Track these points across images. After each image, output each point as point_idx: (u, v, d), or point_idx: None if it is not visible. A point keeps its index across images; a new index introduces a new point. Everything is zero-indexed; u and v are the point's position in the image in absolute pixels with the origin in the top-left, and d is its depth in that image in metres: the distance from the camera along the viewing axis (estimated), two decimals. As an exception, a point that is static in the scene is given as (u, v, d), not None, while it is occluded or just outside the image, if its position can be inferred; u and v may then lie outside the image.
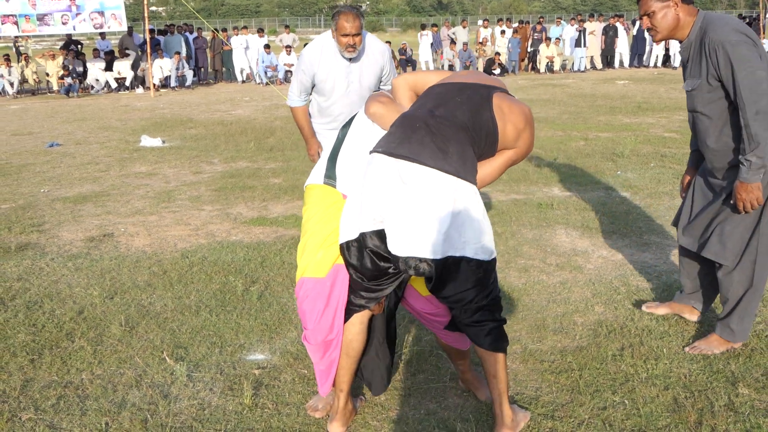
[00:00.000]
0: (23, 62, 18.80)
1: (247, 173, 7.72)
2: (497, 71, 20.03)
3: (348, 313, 2.74)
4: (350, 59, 4.12)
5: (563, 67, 22.03)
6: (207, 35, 20.77)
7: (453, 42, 21.12)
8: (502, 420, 2.68)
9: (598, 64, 21.78)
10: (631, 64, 22.04)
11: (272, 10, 75.95)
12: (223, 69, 20.67)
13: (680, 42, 3.27)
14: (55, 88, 17.81)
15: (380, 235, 2.55)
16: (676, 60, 21.05)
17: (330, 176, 2.78)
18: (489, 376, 2.68)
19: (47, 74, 18.27)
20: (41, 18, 17.20)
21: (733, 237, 3.20)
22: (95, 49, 19.26)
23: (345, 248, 2.64)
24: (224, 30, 34.42)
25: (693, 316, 3.68)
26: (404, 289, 2.87)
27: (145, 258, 4.91)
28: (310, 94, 4.36)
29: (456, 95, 2.65)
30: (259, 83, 19.36)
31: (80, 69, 18.11)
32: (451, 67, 20.79)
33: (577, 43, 21.38)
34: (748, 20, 24.66)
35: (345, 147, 2.81)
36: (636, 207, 5.90)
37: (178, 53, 18.70)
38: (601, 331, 3.60)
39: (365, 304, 2.71)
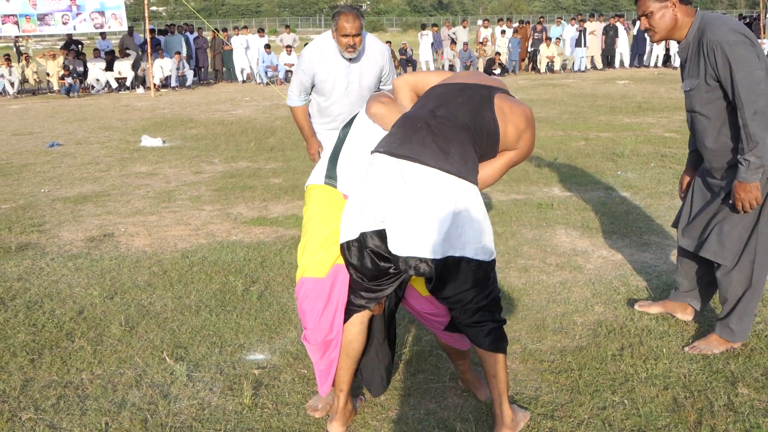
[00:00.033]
0: (24, 62, 18.81)
1: (248, 173, 7.73)
2: (497, 71, 20.03)
3: (348, 314, 2.74)
4: (350, 59, 4.12)
5: (563, 67, 22.03)
6: (207, 35, 20.78)
7: (453, 42, 21.12)
8: (502, 420, 2.69)
9: (599, 64, 21.77)
10: (631, 64, 22.04)
11: (273, 10, 75.96)
12: (224, 69, 20.67)
13: (678, 42, 3.27)
14: (56, 88, 17.81)
15: (381, 235, 2.55)
16: (677, 60, 21.04)
17: (331, 176, 2.79)
18: (489, 376, 2.68)
19: (48, 74, 18.28)
20: (42, 18, 17.21)
21: (732, 237, 3.20)
22: (96, 49, 19.27)
23: (345, 248, 2.64)
24: (224, 30, 34.44)
25: (686, 315, 3.67)
26: (404, 290, 2.87)
27: (145, 258, 4.91)
28: (310, 94, 4.37)
29: (457, 96, 2.65)
30: (259, 83, 19.37)
31: (81, 69, 18.12)
32: (451, 67, 20.79)
33: (578, 43, 21.37)
34: (748, 20, 24.67)
35: (346, 147, 2.81)
36: (636, 207, 5.90)
37: (179, 53, 18.71)
38: (600, 331, 3.61)
39: (365, 304, 2.71)
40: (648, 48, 21.83)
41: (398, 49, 20.90)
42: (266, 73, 19.17)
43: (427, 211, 2.47)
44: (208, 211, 6.17)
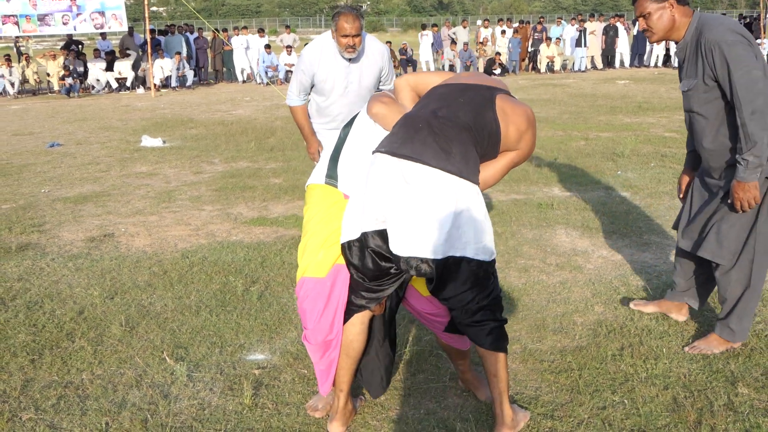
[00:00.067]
0: (24, 62, 18.82)
1: (248, 173, 7.73)
2: (498, 71, 20.03)
3: (349, 314, 2.74)
4: (350, 60, 4.13)
5: (564, 67, 22.03)
6: (208, 35, 20.78)
7: (453, 42, 21.12)
8: (503, 419, 2.69)
9: (599, 64, 21.77)
10: (631, 64, 22.04)
11: (273, 10, 75.97)
12: (224, 69, 20.67)
13: (676, 43, 3.28)
14: (56, 88, 17.82)
15: (382, 234, 2.56)
16: (677, 60, 21.04)
17: (331, 176, 2.79)
18: (490, 376, 2.69)
19: (48, 74, 18.29)
20: (42, 18, 17.21)
21: (730, 236, 3.20)
22: (96, 49, 19.28)
23: (347, 248, 2.64)
24: (225, 30, 34.45)
25: (681, 316, 3.68)
26: (405, 290, 2.87)
27: (145, 258, 4.92)
28: (309, 93, 4.37)
29: (459, 96, 2.66)
30: (259, 83, 19.37)
31: (81, 69, 18.13)
32: (451, 67, 20.79)
33: (578, 43, 21.37)
34: (748, 20, 24.67)
35: (347, 147, 2.81)
36: (636, 207, 5.90)
37: (179, 53, 18.71)
38: (600, 331, 3.61)
39: (366, 304, 2.71)
40: (648, 48, 21.83)
41: (398, 50, 20.90)
42: (266, 73, 19.17)
43: (428, 211, 2.48)
44: (209, 211, 6.17)
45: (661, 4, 3.18)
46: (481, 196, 2.60)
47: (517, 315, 3.82)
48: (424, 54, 21.48)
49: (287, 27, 21.81)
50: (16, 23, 17.15)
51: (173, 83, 18.54)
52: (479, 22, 25.72)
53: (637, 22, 3.34)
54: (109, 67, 18.45)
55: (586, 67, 21.40)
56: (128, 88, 18.40)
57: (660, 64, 21.91)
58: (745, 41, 3.01)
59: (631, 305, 3.80)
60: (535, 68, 21.68)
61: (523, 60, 22.10)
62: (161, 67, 18.34)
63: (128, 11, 21.03)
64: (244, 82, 20.08)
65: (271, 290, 4.27)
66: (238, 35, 20.47)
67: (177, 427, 2.85)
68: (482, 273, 2.58)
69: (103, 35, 19.60)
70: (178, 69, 18.62)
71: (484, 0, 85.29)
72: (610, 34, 21.65)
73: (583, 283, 4.28)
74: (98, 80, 18.29)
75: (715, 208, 3.27)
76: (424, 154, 2.49)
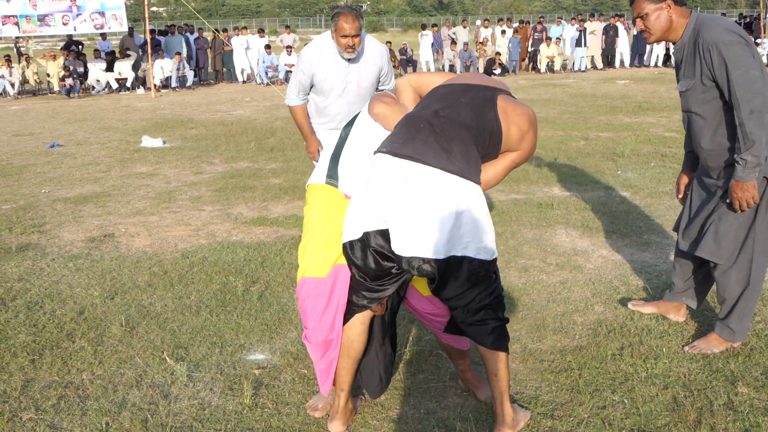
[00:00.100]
0: (24, 63, 18.83)
1: (248, 173, 7.73)
2: (498, 71, 20.03)
3: (349, 314, 2.74)
4: (349, 60, 4.13)
5: (564, 66, 22.03)
6: (208, 35, 20.79)
7: (453, 42, 21.12)
8: (503, 419, 2.69)
9: (599, 64, 21.77)
10: (631, 64, 22.04)
11: (273, 11, 75.98)
12: (224, 69, 20.68)
13: (673, 43, 3.29)
14: (56, 88, 17.83)
15: (384, 234, 2.56)
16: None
17: (332, 176, 2.79)
18: (490, 375, 2.69)
19: (48, 75, 18.29)
20: (42, 19, 17.21)
21: (728, 236, 3.21)
22: (96, 50, 19.28)
23: (348, 247, 2.64)
24: (225, 30, 34.45)
25: (679, 316, 3.68)
26: (406, 290, 2.88)
27: (145, 258, 4.92)
28: (309, 93, 4.38)
29: (460, 96, 2.66)
30: (259, 83, 19.37)
31: (81, 70, 18.13)
32: (451, 68, 20.80)
33: (578, 43, 21.37)
34: (748, 19, 24.67)
35: (347, 147, 2.82)
36: (636, 207, 5.91)
37: (179, 54, 18.71)
38: (600, 331, 3.61)
39: (367, 304, 2.71)
40: (648, 48, 21.83)
41: (398, 50, 20.91)
42: (266, 73, 19.17)
43: (429, 211, 2.48)
44: (209, 212, 6.17)
45: (658, 5, 3.20)
46: (483, 195, 2.60)
47: (517, 314, 3.83)
48: (424, 54, 21.48)
49: (287, 27, 21.81)
50: (16, 24, 17.15)
51: (173, 83, 18.55)
52: (478, 22, 25.72)
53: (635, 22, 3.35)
54: (109, 68, 18.46)
55: (586, 67, 21.40)
56: (128, 89, 18.41)
57: (660, 63, 21.91)
58: (743, 41, 3.02)
59: (630, 305, 3.80)
60: (535, 68, 21.68)
61: (523, 60, 22.10)
62: (161, 68, 18.34)
63: (128, 11, 21.04)
64: (244, 82, 20.08)
65: (272, 290, 4.27)
66: (238, 35, 20.47)
67: (177, 427, 2.85)
68: (484, 272, 2.58)
69: (103, 36, 19.61)
70: (178, 69, 18.62)
71: (484, 0, 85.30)
72: (610, 33, 21.65)
73: (583, 283, 4.28)
74: (98, 81, 18.29)
75: (713, 207, 3.27)
76: (426, 154, 2.49)
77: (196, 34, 20.43)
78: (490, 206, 6.00)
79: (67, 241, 5.40)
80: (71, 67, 17.60)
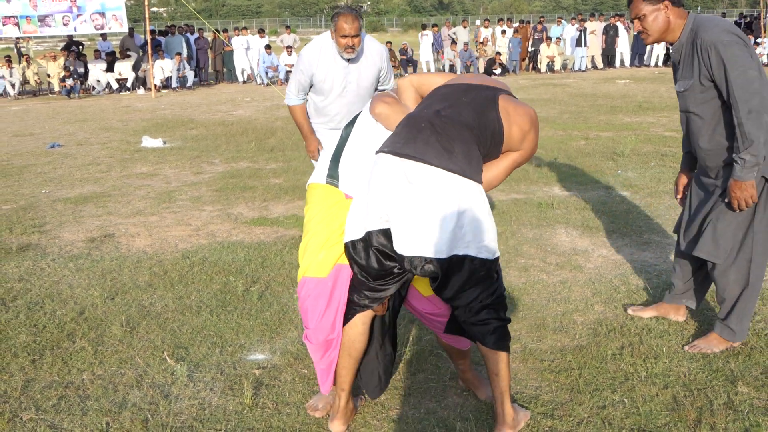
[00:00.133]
0: (24, 63, 18.85)
1: (248, 173, 7.74)
2: (498, 71, 20.03)
3: (351, 314, 2.74)
4: (348, 60, 4.13)
5: (564, 66, 22.03)
6: (208, 36, 20.79)
7: (454, 42, 21.12)
8: (504, 419, 2.69)
9: (599, 64, 21.77)
10: (631, 64, 22.04)
11: (273, 11, 75.99)
12: (224, 70, 20.69)
13: (671, 44, 3.30)
14: (57, 89, 17.84)
15: (386, 234, 2.56)
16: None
17: (333, 176, 2.79)
18: (491, 375, 2.69)
19: (48, 75, 18.31)
20: (42, 19, 17.22)
21: (726, 235, 3.21)
22: (96, 50, 19.29)
23: (351, 247, 2.64)
24: (225, 31, 34.46)
25: (679, 316, 3.68)
26: (407, 290, 2.88)
27: (146, 258, 4.92)
28: (308, 93, 4.38)
29: (462, 96, 2.67)
30: (260, 84, 19.38)
31: (81, 70, 18.14)
32: (452, 68, 20.81)
33: (578, 43, 21.37)
34: (749, 19, 24.67)
35: (348, 147, 2.81)
36: (636, 206, 5.91)
37: (179, 54, 18.72)
38: (600, 330, 3.61)
39: (369, 304, 2.71)
40: (648, 47, 21.81)
41: (399, 50, 20.91)
42: (267, 73, 19.18)
43: (431, 211, 2.48)
44: (209, 212, 6.18)
45: (655, 6, 3.21)
46: (484, 194, 2.61)
47: (518, 314, 3.83)
48: (425, 54, 21.48)
49: (287, 27, 21.82)
50: (17, 24, 17.16)
51: (174, 84, 18.56)
52: (478, 22, 25.71)
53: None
54: (110, 68, 18.47)
55: (586, 67, 21.40)
56: (129, 89, 18.42)
57: (660, 63, 21.91)
58: (741, 42, 3.04)
59: (629, 311, 3.79)
60: (535, 68, 21.69)
61: (524, 60, 22.10)
62: (162, 68, 18.35)
63: (128, 12, 21.06)
64: (244, 82, 20.09)
65: (272, 290, 4.27)
66: (238, 36, 20.49)
67: (177, 427, 2.85)
68: (485, 271, 2.58)
69: (104, 36, 19.62)
70: (178, 70, 18.63)
71: (484, 0, 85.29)
72: (610, 33, 21.65)
73: (583, 283, 4.28)
74: (99, 81, 18.30)
75: (711, 207, 3.28)
76: (427, 153, 2.50)
77: (196, 35, 20.44)
78: (491, 206, 5.99)
79: (67, 241, 5.40)
80: (72, 68, 17.61)
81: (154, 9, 66.22)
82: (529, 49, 21.95)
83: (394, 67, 19.35)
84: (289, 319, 3.85)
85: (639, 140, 8.98)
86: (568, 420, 2.82)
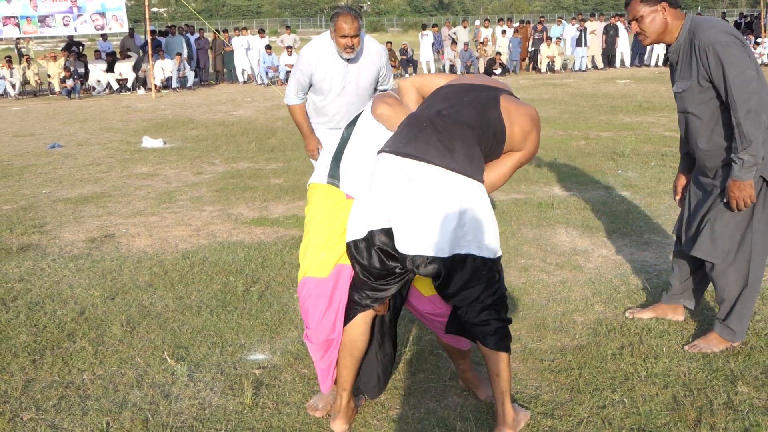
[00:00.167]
0: (25, 64, 18.86)
1: (248, 174, 7.74)
2: (498, 71, 20.03)
3: (352, 313, 2.74)
4: (348, 60, 4.14)
5: (564, 66, 22.03)
6: (208, 36, 20.80)
7: (454, 42, 21.12)
8: (504, 419, 2.69)
9: (599, 64, 21.77)
10: (632, 64, 22.04)
11: (273, 11, 76.00)
12: (225, 70, 20.70)
13: (668, 45, 3.32)
14: (57, 89, 17.85)
15: (388, 232, 2.57)
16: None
17: (333, 176, 2.79)
18: (492, 375, 2.69)
19: (49, 76, 18.32)
20: (43, 19, 17.23)
21: (723, 235, 3.22)
22: (97, 51, 19.31)
23: (353, 247, 2.64)
24: (225, 31, 34.45)
25: (678, 316, 3.68)
26: (408, 290, 2.88)
27: (146, 258, 4.92)
28: (307, 93, 4.39)
29: (463, 95, 2.68)
30: (260, 84, 19.38)
31: (82, 70, 18.15)
32: (452, 68, 20.81)
33: (578, 43, 21.37)
34: (749, 19, 24.67)
35: (349, 147, 2.82)
36: (636, 206, 5.91)
37: (180, 54, 18.73)
38: (600, 330, 3.61)
39: (370, 303, 2.71)
40: (648, 47, 21.82)
41: (399, 50, 20.91)
42: (267, 73, 19.19)
43: (432, 210, 2.49)
44: (209, 212, 6.18)
45: (653, 8, 3.23)
46: (486, 193, 2.61)
47: (518, 314, 3.83)
48: (425, 54, 21.48)
49: (288, 27, 21.83)
50: (17, 24, 17.17)
51: (174, 84, 18.56)
52: (477, 22, 25.71)
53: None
54: (110, 69, 18.48)
55: (586, 67, 21.41)
56: (129, 89, 18.42)
57: (660, 63, 21.90)
58: (738, 42, 3.06)
59: (628, 314, 3.79)
60: (535, 68, 21.69)
61: (524, 60, 22.11)
62: (162, 68, 18.36)
63: (129, 12, 21.07)
64: (244, 82, 20.10)
65: (272, 290, 4.27)
66: (238, 36, 20.49)
67: (178, 426, 2.86)
68: (487, 270, 2.58)
69: (104, 36, 19.62)
70: (178, 70, 18.64)
71: (484, 0, 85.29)
72: (610, 33, 21.65)
73: (583, 283, 4.28)
74: (99, 81, 18.31)
75: (709, 206, 3.28)
76: (428, 152, 2.50)
77: (196, 35, 20.45)
78: (491, 205, 6.00)
79: (67, 241, 5.40)
80: (72, 68, 17.62)
81: (155, 9, 66.23)
82: (530, 49, 21.95)
83: (394, 67, 19.38)
84: (289, 319, 3.85)
85: (639, 140, 8.98)
86: (568, 420, 2.82)
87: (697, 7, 62.16)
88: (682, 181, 3.62)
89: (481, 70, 20.47)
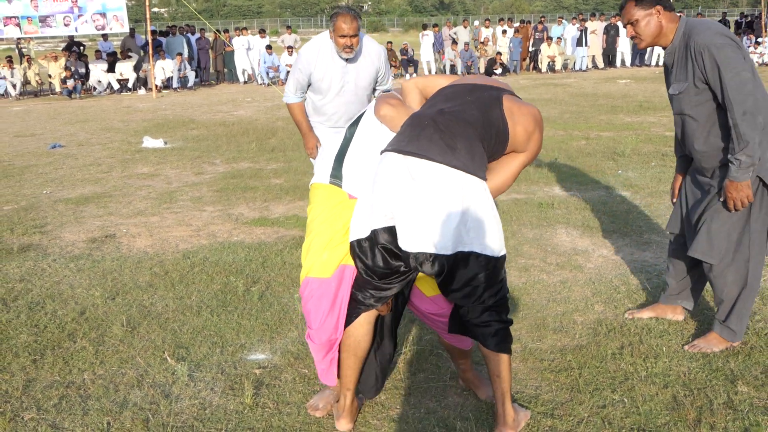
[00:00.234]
0: (26, 64, 18.87)
1: (249, 174, 7.74)
2: (499, 71, 20.04)
3: (355, 313, 2.74)
4: (347, 60, 4.15)
5: (565, 66, 22.03)
6: (209, 36, 20.80)
7: (454, 42, 21.12)
8: (504, 419, 2.69)
9: (600, 64, 21.77)
10: (632, 63, 22.03)
11: (274, 11, 76.01)
12: (225, 70, 20.70)
13: (664, 48, 3.33)
14: (58, 89, 17.86)
15: (391, 231, 2.57)
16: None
17: (336, 176, 2.79)
18: (493, 376, 2.69)
19: (50, 76, 18.33)
20: (43, 20, 17.24)
21: (720, 235, 3.22)
22: (97, 51, 19.32)
23: (356, 246, 2.64)
24: (226, 31, 34.45)
25: (677, 316, 3.69)
26: (410, 290, 2.88)
27: (146, 259, 4.93)
28: (306, 92, 4.40)
29: (466, 95, 2.68)
30: (260, 84, 19.39)
31: (82, 70, 18.16)
32: (452, 67, 20.81)
33: (579, 43, 21.37)
34: (749, 18, 24.67)
35: (352, 147, 2.82)
36: (636, 206, 5.91)
37: (180, 54, 18.74)
38: (600, 330, 3.61)
39: (373, 303, 2.72)
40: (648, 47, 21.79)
41: (399, 50, 20.90)
42: (267, 73, 19.20)
43: (435, 207, 2.49)
44: (210, 212, 6.18)
45: (648, 11, 3.24)
46: (488, 191, 2.61)
47: (518, 314, 3.83)
48: (425, 54, 21.48)
49: (288, 27, 21.83)
50: (18, 25, 17.18)
51: (174, 84, 18.57)
52: (476, 22, 25.71)
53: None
54: (111, 69, 18.49)
55: (587, 67, 21.41)
56: (130, 90, 18.43)
57: (661, 63, 21.88)
58: (734, 44, 3.07)
59: (626, 315, 3.79)
60: (536, 68, 21.69)
61: (524, 60, 22.11)
62: (162, 68, 18.37)
63: (129, 12, 21.06)
64: (245, 82, 20.10)
65: (272, 290, 4.28)
66: (239, 36, 20.50)
67: (178, 426, 2.86)
68: (490, 269, 2.58)
69: (105, 36, 19.63)
70: (179, 70, 18.65)
71: (485, 0, 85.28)
72: (611, 33, 21.65)
73: (583, 283, 4.28)
74: (100, 81, 18.32)
75: (706, 206, 3.29)
76: (430, 150, 2.51)
77: (197, 35, 20.45)
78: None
79: (68, 241, 5.41)
80: (73, 68, 17.63)
81: (155, 9, 66.23)
82: (530, 49, 21.95)
83: (394, 67, 19.39)
84: (290, 319, 3.86)
85: (640, 140, 8.98)
86: (568, 419, 2.82)
87: (697, 7, 62.13)
88: (680, 182, 3.62)
89: (482, 70, 20.48)
